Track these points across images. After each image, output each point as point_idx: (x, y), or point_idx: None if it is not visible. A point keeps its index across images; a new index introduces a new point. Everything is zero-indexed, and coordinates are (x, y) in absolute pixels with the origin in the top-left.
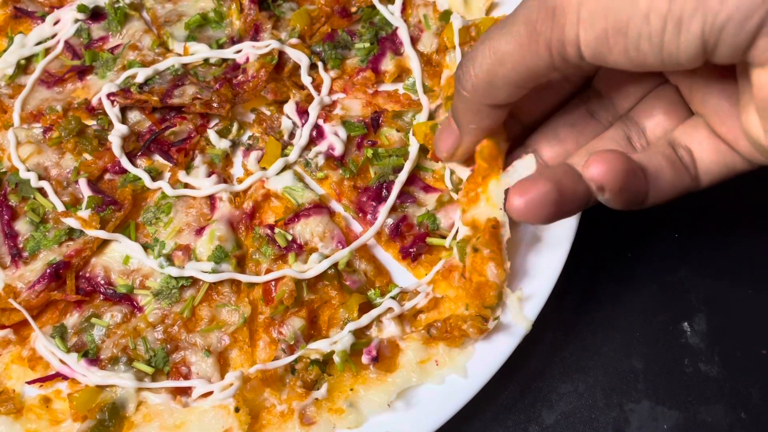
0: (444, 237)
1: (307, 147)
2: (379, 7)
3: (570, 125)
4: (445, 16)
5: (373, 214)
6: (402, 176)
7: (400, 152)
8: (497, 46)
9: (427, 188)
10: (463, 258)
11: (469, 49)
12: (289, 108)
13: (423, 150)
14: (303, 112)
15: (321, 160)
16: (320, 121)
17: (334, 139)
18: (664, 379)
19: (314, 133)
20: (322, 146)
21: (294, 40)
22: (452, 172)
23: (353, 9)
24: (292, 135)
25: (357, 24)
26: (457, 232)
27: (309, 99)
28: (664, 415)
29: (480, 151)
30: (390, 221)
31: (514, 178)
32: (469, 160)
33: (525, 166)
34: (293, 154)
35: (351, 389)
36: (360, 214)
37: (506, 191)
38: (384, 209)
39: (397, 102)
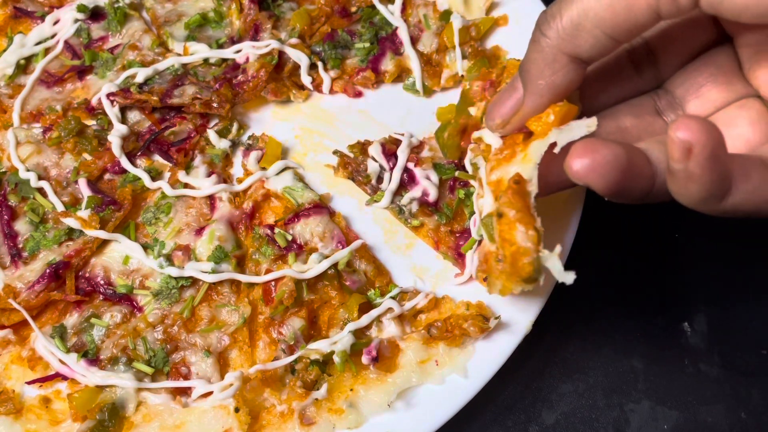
0: None
1: (398, 192)
2: (379, 6)
3: (635, 116)
4: (445, 16)
5: (463, 258)
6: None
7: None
8: None
9: None
10: (491, 235)
11: (469, 48)
12: (375, 150)
13: None
14: (390, 155)
15: (415, 207)
16: (410, 164)
17: (427, 184)
18: (664, 379)
19: (405, 176)
20: (415, 192)
21: (294, 40)
22: (473, 162)
23: (353, 9)
24: (380, 179)
25: (357, 24)
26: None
27: (393, 141)
28: (664, 415)
29: (553, 112)
30: (476, 258)
31: (566, 137)
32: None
33: (584, 125)
34: (384, 200)
35: (351, 389)
36: (459, 260)
37: (551, 146)
38: (470, 253)
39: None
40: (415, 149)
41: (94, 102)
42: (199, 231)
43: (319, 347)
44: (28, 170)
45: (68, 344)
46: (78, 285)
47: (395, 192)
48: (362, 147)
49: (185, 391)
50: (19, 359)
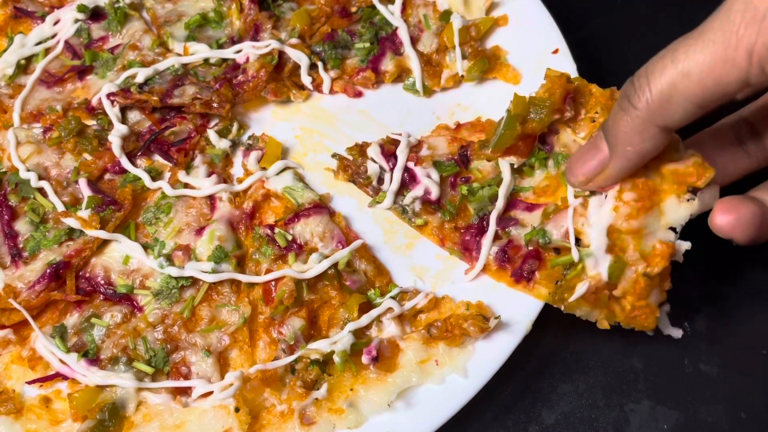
0: (558, 249)
1: (399, 192)
2: (379, 7)
3: (719, 147)
4: (445, 16)
5: (477, 250)
6: (499, 203)
7: (494, 181)
8: (683, 57)
9: (530, 207)
10: (617, 277)
11: (469, 48)
12: (374, 151)
13: (518, 171)
14: (389, 155)
15: (418, 206)
16: (410, 164)
17: (429, 182)
18: (664, 379)
19: (405, 176)
20: (417, 191)
21: (294, 40)
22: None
23: (353, 9)
24: (380, 180)
25: (357, 24)
26: (577, 240)
27: (391, 141)
28: (664, 415)
29: (692, 167)
30: (495, 249)
31: (700, 205)
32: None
33: (710, 195)
34: (387, 201)
35: (351, 389)
36: (466, 254)
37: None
38: (486, 241)
39: (482, 130)
40: (414, 148)
41: (94, 102)
42: (200, 231)
43: (319, 347)
44: (28, 170)
45: (68, 344)
46: (78, 285)
47: (397, 192)
48: (361, 149)
49: (185, 391)
50: (19, 359)
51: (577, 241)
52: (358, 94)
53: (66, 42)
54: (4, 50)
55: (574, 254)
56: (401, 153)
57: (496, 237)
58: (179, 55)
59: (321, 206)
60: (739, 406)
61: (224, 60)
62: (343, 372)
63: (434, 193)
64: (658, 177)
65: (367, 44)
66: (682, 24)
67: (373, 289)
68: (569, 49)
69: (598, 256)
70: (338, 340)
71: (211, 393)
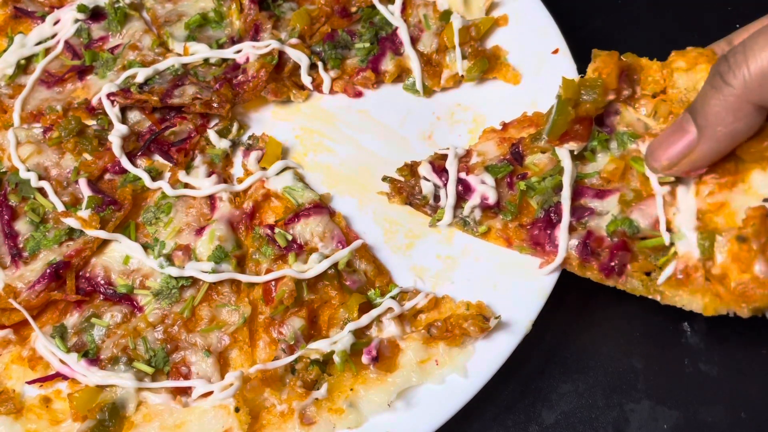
0: (646, 239)
1: (457, 205)
2: (379, 7)
3: None
4: (445, 16)
5: (551, 243)
6: (566, 192)
7: (553, 171)
8: None
9: (601, 194)
10: (708, 250)
11: (469, 48)
12: (425, 170)
13: (578, 157)
14: (441, 171)
15: (478, 214)
16: (462, 175)
17: (484, 188)
18: (664, 379)
19: (460, 188)
20: (474, 199)
21: (294, 40)
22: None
23: (353, 9)
24: (436, 197)
25: (357, 24)
26: (668, 226)
27: (440, 157)
28: (664, 415)
29: None
30: (574, 242)
31: None
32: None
33: None
34: (447, 217)
35: (351, 389)
36: (538, 248)
37: None
38: (562, 232)
39: (530, 124)
40: (463, 159)
41: (94, 102)
42: (200, 231)
43: (319, 347)
44: (28, 170)
45: (68, 344)
46: (78, 285)
47: (455, 206)
48: (411, 169)
49: (185, 391)
50: (19, 359)
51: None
52: (358, 94)
53: (66, 42)
54: (4, 50)
55: (666, 239)
56: (451, 166)
57: (572, 228)
58: (179, 55)
59: (321, 206)
60: (739, 406)
61: (224, 60)
62: (343, 372)
63: (492, 198)
64: (740, 156)
65: (367, 44)
66: (682, 24)
67: (373, 289)
68: (569, 49)
69: (689, 237)
70: (338, 340)
71: (211, 393)
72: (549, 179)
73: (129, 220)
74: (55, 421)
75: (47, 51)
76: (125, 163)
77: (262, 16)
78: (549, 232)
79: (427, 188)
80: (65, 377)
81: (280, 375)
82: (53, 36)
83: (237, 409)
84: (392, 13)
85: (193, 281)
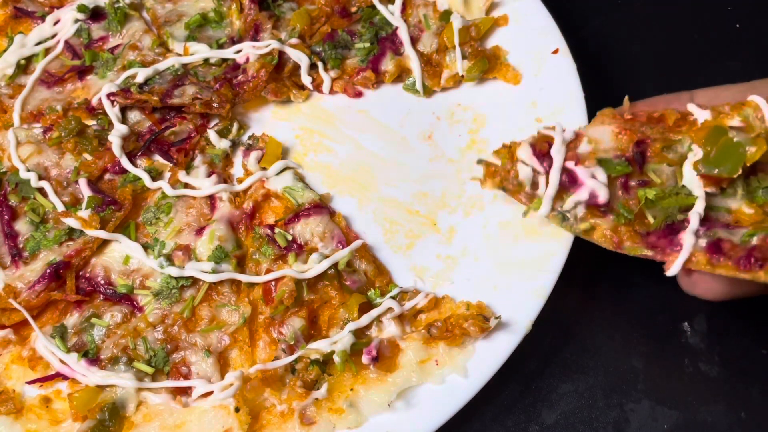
0: None
1: (558, 196)
2: (379, 7)
3: None
4: (445, 16)
5: (672, 246)
6: (693, 224)
7: (677, 190)
8: None
9: (731, 227)
10: None
11: (469, 48)
12: (524, 152)
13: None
14: (542, 155)
15: (581, 211)
16: (569, 164)
17: (594, 184)
18: (664, 379)
19: (564, 178)
20: (581, 194)
21: (294, 40)
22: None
23: (353, 9)
24: (534, 184)
25: (357, 24)
26: None
27: (544, 138)
28: (664, 415)
29: None
30: (702, 242)
31: None
32: None
33: None
34: (544, 208)
35: (351, 389)
36: (657, 250)
37: None
38: (687, 236)
39: (660, 120)
40: (571, 144)
41: (94, 102)
42: (200, 231)
43: (319, 347)
44: (28, 170)
45: (68, 344)
46: (78, 285)
47: (555, 197)
48: (509, 151)
49: (185, 391)
50: (19, 359)
51: None
52: (358, 94)
53: (66, 42)
54: (4, 50)
55: None
56: (557, 153)
57: (698, 235)
58: (179, 55)
59: (321, 206)
60: (739, 406)
61: (224, 60)
62: (343, 372)
63: (602, 197)
64: None
65: (367, 44)
66: (681, 24)
67: (373, 289)
68: (569, 49)
69: None
70: (338, 340)
71: (211, 393)
72: (673, 198)
73: (129, 220)
74: (55, 421)
75: (47, 51)
76: (125, 163)
77: (262, 16)
78: (671, 238)
79: (524, 173)
80: (65, 377)
81: (280, 375)
82: (53, 36)
83: (237, 409)
84: (392, 13)
85: (193, 281)
